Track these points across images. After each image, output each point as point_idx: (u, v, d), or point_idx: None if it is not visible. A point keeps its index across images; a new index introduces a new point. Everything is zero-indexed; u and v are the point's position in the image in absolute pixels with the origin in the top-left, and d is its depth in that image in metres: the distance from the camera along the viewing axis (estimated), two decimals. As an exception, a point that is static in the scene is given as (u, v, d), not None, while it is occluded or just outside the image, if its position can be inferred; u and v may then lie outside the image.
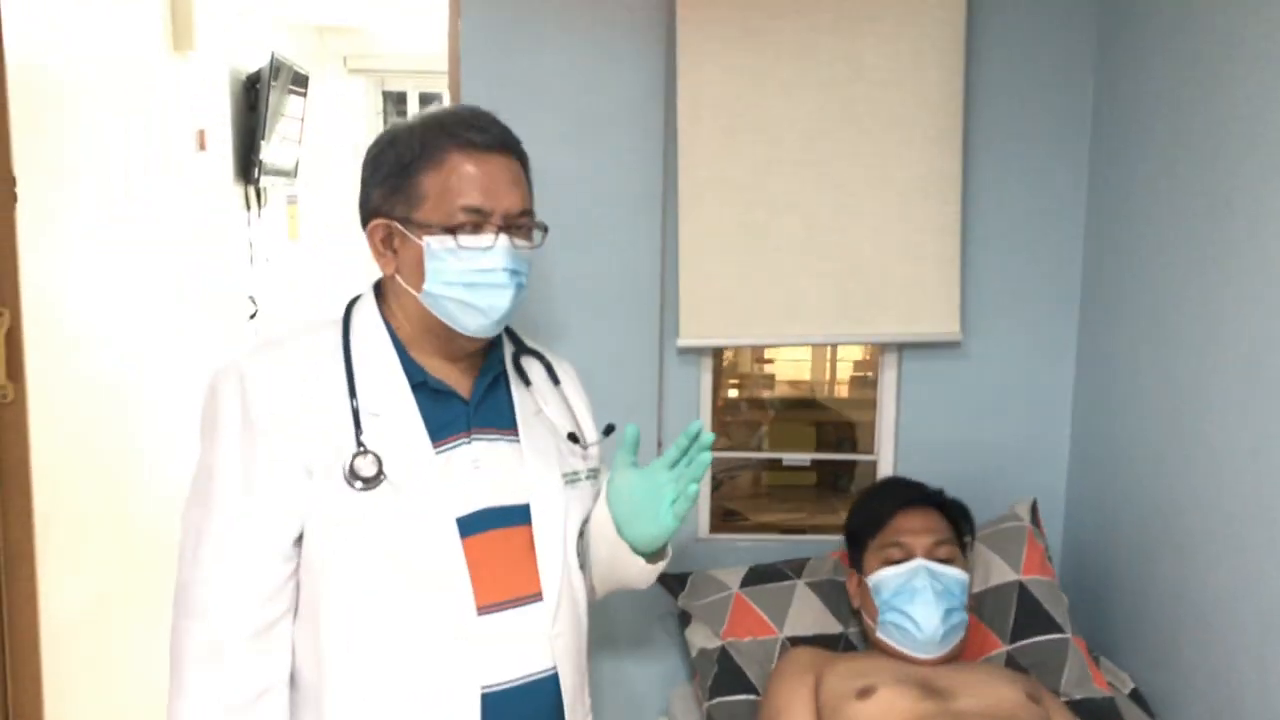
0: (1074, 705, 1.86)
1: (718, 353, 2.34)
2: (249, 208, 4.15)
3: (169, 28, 3.27)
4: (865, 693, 1.72)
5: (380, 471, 1.36)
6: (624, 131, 2.14)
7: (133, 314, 2.90)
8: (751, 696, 1.96)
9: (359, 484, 1.35)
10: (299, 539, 1.37)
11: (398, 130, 1.45)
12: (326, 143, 5.07)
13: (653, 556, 1.57)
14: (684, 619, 2.13)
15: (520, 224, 1.44)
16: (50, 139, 2.45)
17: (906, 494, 1.96)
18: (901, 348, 2.24)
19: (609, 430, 1.60)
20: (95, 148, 2.70)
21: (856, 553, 1.96)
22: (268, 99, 4.00)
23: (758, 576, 2.13)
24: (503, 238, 1.40)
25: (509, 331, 1.61)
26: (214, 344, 3.46)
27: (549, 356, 1.64)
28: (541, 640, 1.43)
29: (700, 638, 2.07)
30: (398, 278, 1.44)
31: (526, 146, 2.08)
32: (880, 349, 2.28)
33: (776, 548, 2.29)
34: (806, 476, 3.04)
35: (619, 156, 2.15)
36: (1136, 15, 2.04)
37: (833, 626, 2.05)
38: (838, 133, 2.12)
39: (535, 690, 1.43)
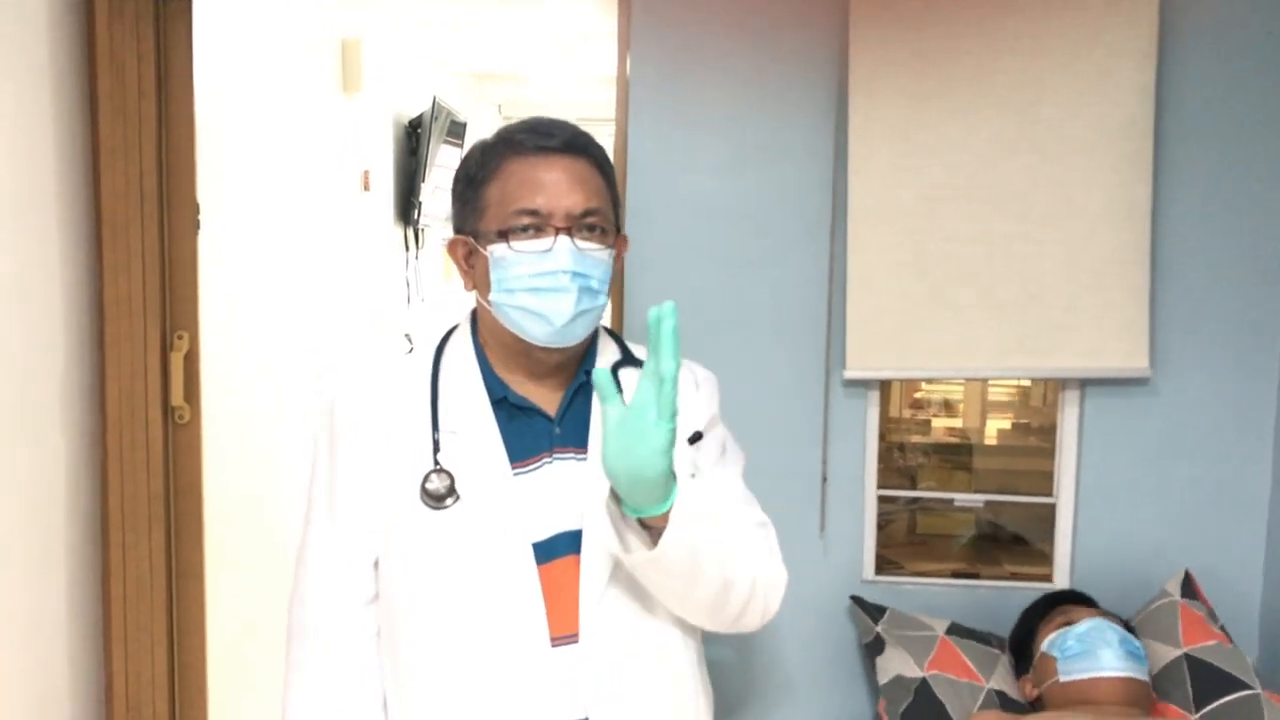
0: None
1: (885, 386, 2.25)
2: (408, 248, 4.25)
3: (340, 69, 3.39)
4: None
5: (452, 490, 1.32)
6: (793, 158, 2.11)
7: (295, 344, 2.98)
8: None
9: (431, 503, 1.32)
10: (378, 561, 1.37)
11: (473, 147, 1.42)
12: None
13: (655, 519, 1.23)
14: (875, 647, 2.05)
15: (589, 224, 1.34)
16: (231, 172, 2.55)
17: (1064, 594, 2.02)
18: (1084, 384, 2.12)
19: (695, 437, 1.38)
20: (271, 182, 2.80)
21: (1024, 661, 1.94)
22: (428, 143, 4.11)
23: (961, 632, 2.05)
24: (563, 238, 1.31)
25: (618, 341, 1.50)
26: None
27: None
28: (578, 686, 1.30)
29: (897, 665, 1.99)
30: (476, 293, 1.41)
31: (693, 175, 2.11)
32: (1061, 385, 2.16)
33: (947, 593, 2.19)
34: (965, 525, 2.90)
35: (787, 183, 2.11)
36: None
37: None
38: (1017, 158, 2.03)
39: None
